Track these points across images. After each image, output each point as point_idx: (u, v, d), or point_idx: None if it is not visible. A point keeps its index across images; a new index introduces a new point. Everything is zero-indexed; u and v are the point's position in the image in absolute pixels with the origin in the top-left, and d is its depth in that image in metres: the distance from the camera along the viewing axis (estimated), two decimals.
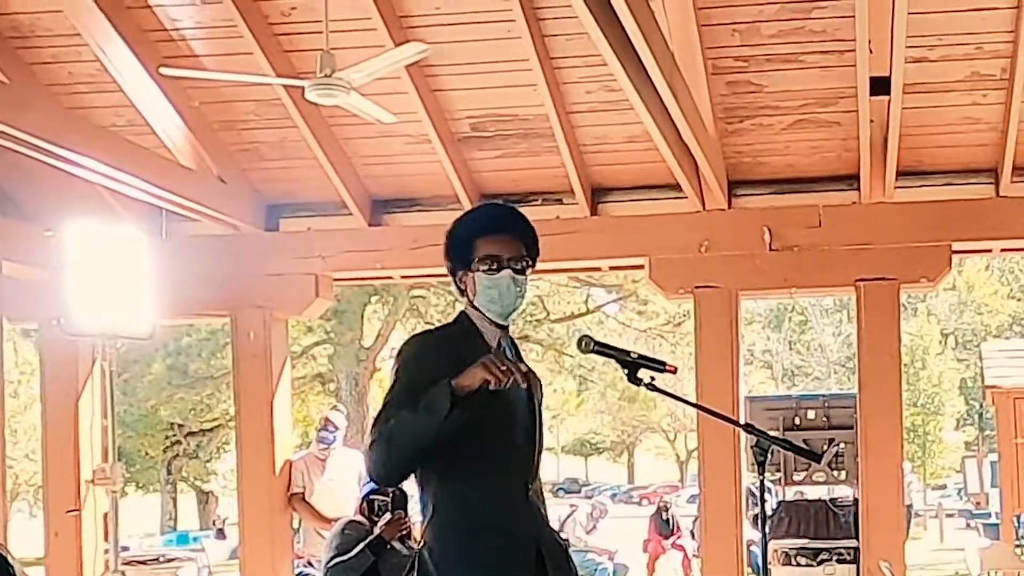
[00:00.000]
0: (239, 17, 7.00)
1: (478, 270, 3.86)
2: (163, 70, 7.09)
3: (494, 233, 3.90)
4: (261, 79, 7.22)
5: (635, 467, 58.24)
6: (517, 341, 4.10)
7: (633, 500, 43.99)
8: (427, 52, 6.52)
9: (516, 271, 3.87)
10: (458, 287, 3.98)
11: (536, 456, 3.96)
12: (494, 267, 3.85)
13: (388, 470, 3.77)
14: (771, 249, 8.11)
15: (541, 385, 4.12)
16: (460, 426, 3.66)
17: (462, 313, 3.98)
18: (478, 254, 3.86)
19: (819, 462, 9.88)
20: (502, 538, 3.83)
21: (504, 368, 3.56)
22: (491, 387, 3.56)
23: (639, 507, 38.15)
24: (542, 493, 4.04)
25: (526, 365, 4.05)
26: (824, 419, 10.45)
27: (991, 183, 7.99)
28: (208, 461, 33.27)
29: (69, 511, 8.61)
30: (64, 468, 8.65)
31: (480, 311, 3.90)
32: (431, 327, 4.36)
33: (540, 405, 4.02)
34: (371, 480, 4.02)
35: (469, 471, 3.84)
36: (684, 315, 26.84)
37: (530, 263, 3.93)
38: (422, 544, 3.90)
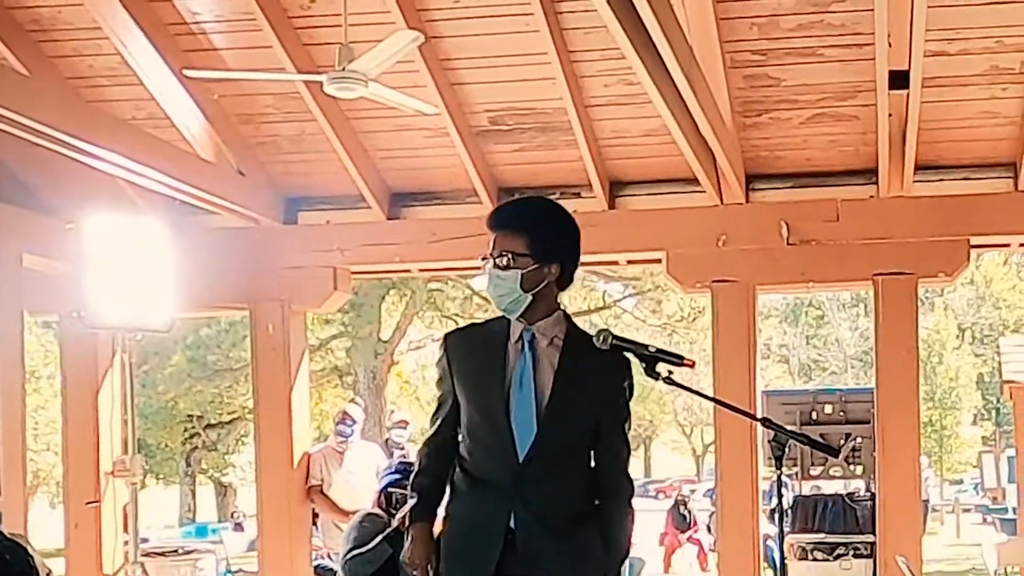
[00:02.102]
0: (259, 11, 7.02)
1: None
2: (187, 72, 7.14)
3: (491, 229, 4.01)
4: (281, 76, 7.26)
5: (651, 461, 58.21)
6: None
7: (649, 494, 43.98)
8: (421, 40, 6.52)
9: (498, 267, 3.93)
10: None
11: (541, 444, 3.90)
12: (483, 263, 3.98)
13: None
14: (788, 243, 8.11)
15: (600, 375, 4.01)
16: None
17: None
18: (489, 253, 4.00)
19: (837, 457, 9.87)
20: (469, 526, 4.00)
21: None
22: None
23: (655, 501, 38.17)
24: (556, 479, 3.95)
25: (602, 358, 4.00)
26: (841, 414, 10.45)
27: (1010, 177, 7.97)
28: (227, 453, 33.38)
29: (89, 503, 8.65)
30: (84, 460, 8.70)
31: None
32: (477, 321, 4.52)
33: (562, 392, 3.94)
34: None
35: (465, 465, 4.05)
36: (699, 311, 26.84)
37: (528, 256, 3.91)
38: None
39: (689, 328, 28.50)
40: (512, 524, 3.91)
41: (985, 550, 11.50)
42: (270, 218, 8.66)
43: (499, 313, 4.03)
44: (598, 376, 3.98)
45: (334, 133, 7.93)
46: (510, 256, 3.90)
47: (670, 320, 28.96)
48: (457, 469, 4.07)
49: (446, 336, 4.16)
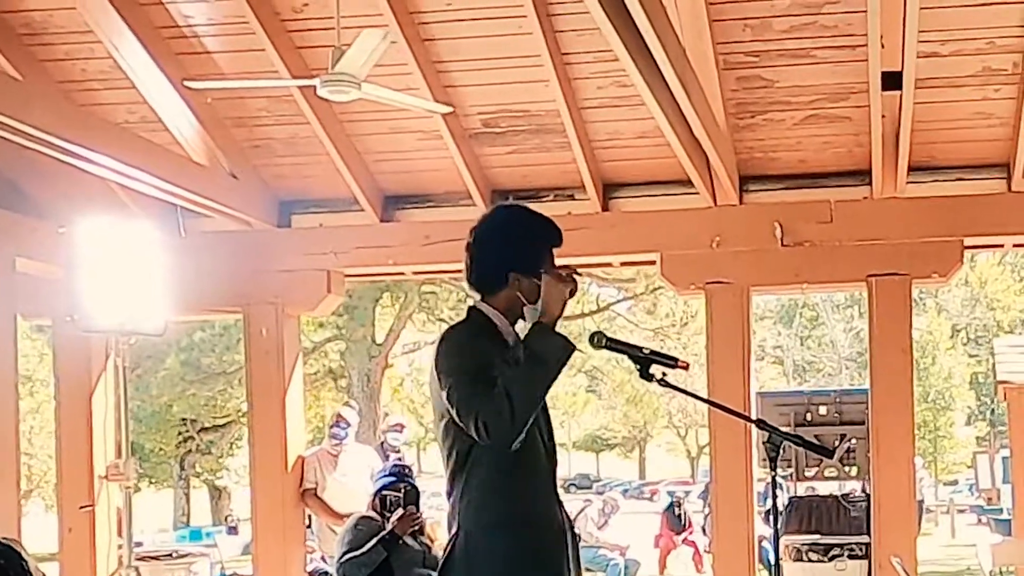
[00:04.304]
0: (251, 14, 7.01)
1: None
2: (188, 83, 7.14)
3: (559, 245, 4.04)
4: (277, 83, 7.26)
5: (646, 463, 58.20)
6: None
7: (644, 496, 43.96)
8: (390, 35, 6.53)
9: None
10: (487, 284, 3.99)
11: (556, 450, 4.08)
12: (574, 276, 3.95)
13: (514, 425, 3.72)
14: (783, 244, 8.12)
15: None
16: None
17: (473, 309, 4.01)
18: (554, 265, 3.97)
19: (831, 458, 9.88)
20: (545, 530, 3.96)
21: (566, 272, 3.86)
22: (571, 293, 3.84)
23: (650, 503, 38.12)
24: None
25: None
26: (835, 415, 10.43)
27: (1003, 178, 7.99)
28: (221, 457, 33.27)
29: (83, 507, 8.64)
30: (78, 464, 8.68)
31: (505, 311, 3.96)
32: (452, 323, 4.37)
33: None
34: (489, 441, 3.78)
35: (514, 466, 3.88)
36: (691, 315, 26.86)
37: None
38: (459, 538, 3.91)
39: (680, 333, 28.52)
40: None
41: (980, 551, 11.51)
42: (263, 221, 8.65)
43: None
44: None
45: (327, 136, 7.93)
46: None
47: (662, 325, 29.00)
48: (495, 471, 3.88)
49: (464, 330, 3.97)
